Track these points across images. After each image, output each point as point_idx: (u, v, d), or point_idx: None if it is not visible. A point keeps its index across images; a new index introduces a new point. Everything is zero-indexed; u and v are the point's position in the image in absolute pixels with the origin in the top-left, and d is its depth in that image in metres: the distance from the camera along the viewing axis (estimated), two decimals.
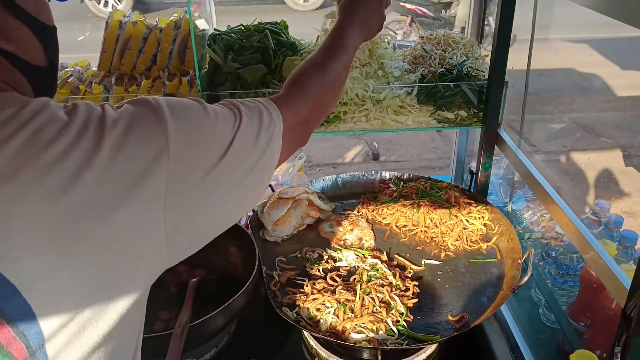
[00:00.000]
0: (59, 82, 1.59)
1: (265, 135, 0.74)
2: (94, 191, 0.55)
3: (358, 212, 1.61)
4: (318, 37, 1.65)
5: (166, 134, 0.61)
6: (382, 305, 1.21)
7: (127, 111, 0.62)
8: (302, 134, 0.87)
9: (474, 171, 1.64)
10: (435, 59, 1.62)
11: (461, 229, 1.48)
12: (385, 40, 1.65)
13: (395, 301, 1.23)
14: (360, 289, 1.24)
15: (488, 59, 1.50)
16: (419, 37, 1.77)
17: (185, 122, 0.64)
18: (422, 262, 1.40)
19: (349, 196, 1.69)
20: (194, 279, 1.29)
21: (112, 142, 0.57)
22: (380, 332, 1.15)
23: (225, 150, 0.67)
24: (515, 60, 1.49)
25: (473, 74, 1.57)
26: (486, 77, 1.52)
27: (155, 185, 0.59)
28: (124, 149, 0.58)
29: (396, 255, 1.42)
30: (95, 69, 1.67)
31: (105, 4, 7.38)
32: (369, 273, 1.30)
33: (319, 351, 1.24)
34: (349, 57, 0.94)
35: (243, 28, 1.62)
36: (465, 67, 1.57)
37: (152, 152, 0.59)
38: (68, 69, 1.69)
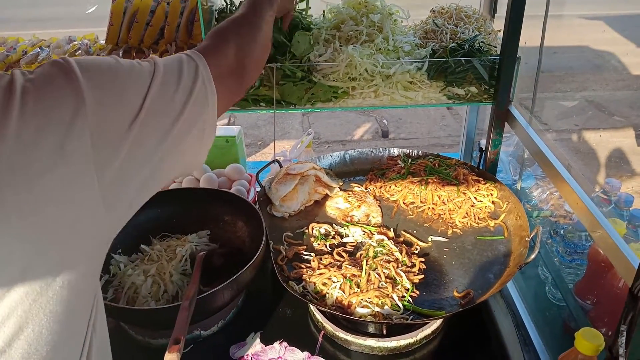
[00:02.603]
0: (67, 55, 1.58)
1: (188, 82, 0.73)
2: (15, 160, 0.53)
3: (366, 188, 1.60)
4: (324, 11, 1.63)
5: (79, 90, 0.59)
6: (388, 280, 1.22)
7: (37, 75, 0.59)
8: (235, 83, 0.87)
9: (483, 148, 1.62)
10: (446, 33, 1.59)
11: (469, 206, 1.47)
12: (397, 13, 1.62)
13: (401, 277, 1.23)
14: (367, 265, 1.24)
15: (501, 34, 1.47)
16: (430, 10, 1.73)
17: (97, 77, 0.62)
18: (429, 239, 1.40)
19: (356, 173, 1.69)
20: (202, 252, 1.31)
21: (21, 109, 0.55)
22: (386, 307, 1.16)
23: (143, 101, 0.66)
24: (529, 36, 1.46)
25: (485, 49, 1.54)
26: (498, 52, 1.50)
27: (80, 144, 0.58)
28: (36, 115, 0.56)
29: (403, 232, 1.42)
30: (103, 42, 1.66)
31: None
32: (376, 249, 1.31)
33: (325, 325, 1.25)
34: (262, 15, 0.97)
35: None
36: (477, 42, 1.54)
37: (68, 112, 0.58)
38: (76, 42, 1.69)
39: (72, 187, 0.57)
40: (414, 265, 1.28)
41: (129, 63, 0.68)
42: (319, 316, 1.27)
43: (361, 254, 1.30)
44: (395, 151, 1.71)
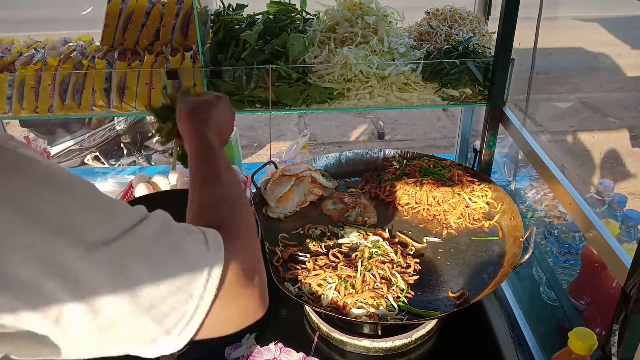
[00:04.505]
0: (62, 57, 1.58)
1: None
2: None
3: (361, 189, 1.61)
4: (318, 12, 1.63)
5: None
6: (383, 281, 1.22)
7: None
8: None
9: (478, 149, 1.63)
10: (441, 35, 1.60)
11: (464, 207, 1.48)
12: (392, 14, 1.62)
13: (396, 277, 1.24)
14: (362, 266, 1.25)
15: (495, 36, 1.48)
16: (425, 12, 1.74)
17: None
18: (424, 240, 1.40)
19: (352, 174, 1.69)
20: None
21: None
22: (381, 307, 1.16)
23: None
24: (523, 38, 1.47)
25: (479, 50, 1.55)
26: (492, 54, 1.50)
27: None
28: None
29: (398, 233, 1.43)
30: (98, 43, 1.66)
31: None
32: (371, 250, 1.31)
33: (321, 325, 1.25)
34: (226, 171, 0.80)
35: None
36: (471, 43, 1.55)
37: None
38: (71, 44, 1.68)
39: None
40: (408, 266, 1.29)
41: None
42: (314, 317, 1.27)
43: (356, 255, 1.31)
44: (390, 152, 1.72)
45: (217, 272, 0.58)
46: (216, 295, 0.58)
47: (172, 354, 0.88)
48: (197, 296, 0.57)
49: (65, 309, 0.49)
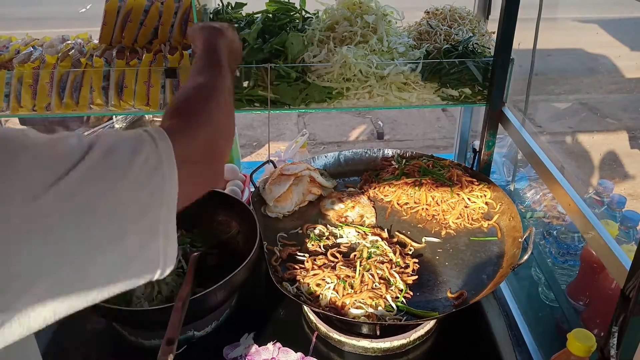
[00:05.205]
0: (60, 54, 1.57)
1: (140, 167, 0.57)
2: None
3: (360, 189, 1.60)
4: (317, 11, 1.63)
5: None
6: (382, 281, 1.22)
7: None
8: (205, 169, 0.72)
9: (477, 149, 1.63)
10: (440, 35, 1.60)
11: (463, 207, 1.47)
12: (392, 14, 1.62)
13: (395, 278, 1.23)
14: (360, 266, 1.24)
15: (494, 36, 1.48)
16: (425, 12, 1.74)
17: None
18: (423, 240, 1.40)
19: (351, 173, 1.69)
20: (195, 253, 1.30)
21: None
22: (380, 307, 1.16)
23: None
24: (522, 39, 1.46)
25: (479, 50, 1.55)
26: (492, 54, 1.50)
27: None
28: None
29: (397, 233, 1.42)
30: (96, 41, 1.66)
31: None
32: (370, 250, 1.31)
33: (319, 326, 1.25)
34: (228, 79, 0.86)
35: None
36: (471, 43, 1.55)
37: None
38: (69, 42, 1.68)
39: None
40: (407, 266, 1.29)
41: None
42: (312, 317, 1.26)
43: (355, 255, 1.30)
44: (389, 152, 1.71)
45: (172, 166, 0.60)
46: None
47: (171, 355, 0.88)
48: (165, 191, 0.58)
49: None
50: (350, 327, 1.23)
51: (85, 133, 3.49)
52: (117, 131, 0.59)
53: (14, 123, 3.92)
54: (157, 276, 0.59)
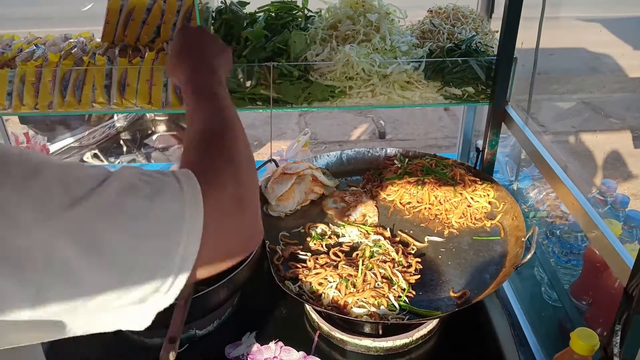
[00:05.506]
0: (62, 53, 1.57)
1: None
2: None
3: (362, 188, 1.60)
4: (320, 10, 1.62)
5: None
6: (384, 280, 1.22)
7: None
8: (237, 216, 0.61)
9: (480, 149, 1.62)
10: (443, 33, 1.59)
11: (466, 206, 1.47)
12: (395, 12, 1.62)
13: (397, 277, 1.23)
14: (363, 265, 1.24)
15: (497, 35, 1.47)
16: (428, 10, 1.73)
17: None
18: (425, 239, 1.40)
19: (353, 172, 1.69)
20: None
21: None
22: (382, 307, 1.16)
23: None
24: (525, 38, 1.46)
25: (482, 49, 1.54)
26: (495, 53, 1.50)
27: None
28: None
29: (399, 232, 1.42)
30: (99, 40, 1.65)
31: None
32: (372, 249, 1.30)
33: (321, 325, 1.25)
34: (230, 107, 0.77)
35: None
36: (474, 42, 1.54)
37: None
38: (72, 40, 1.67)
39: None
40: (410, 266, 1.28)
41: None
42: (314, 316, 1.26)
43: (357, 254, 1.30)
44: (392, 151, 1.71)
45: (196, 215, 0.54)
46: (202, 240, 0.54)
47: (173, 353, 0.88)
48: (182, 244, 0.53)
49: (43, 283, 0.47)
50: (353, 326, 1.23)
51: (86, 132, 3.51)
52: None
53: (13, 121, 3.93)
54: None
